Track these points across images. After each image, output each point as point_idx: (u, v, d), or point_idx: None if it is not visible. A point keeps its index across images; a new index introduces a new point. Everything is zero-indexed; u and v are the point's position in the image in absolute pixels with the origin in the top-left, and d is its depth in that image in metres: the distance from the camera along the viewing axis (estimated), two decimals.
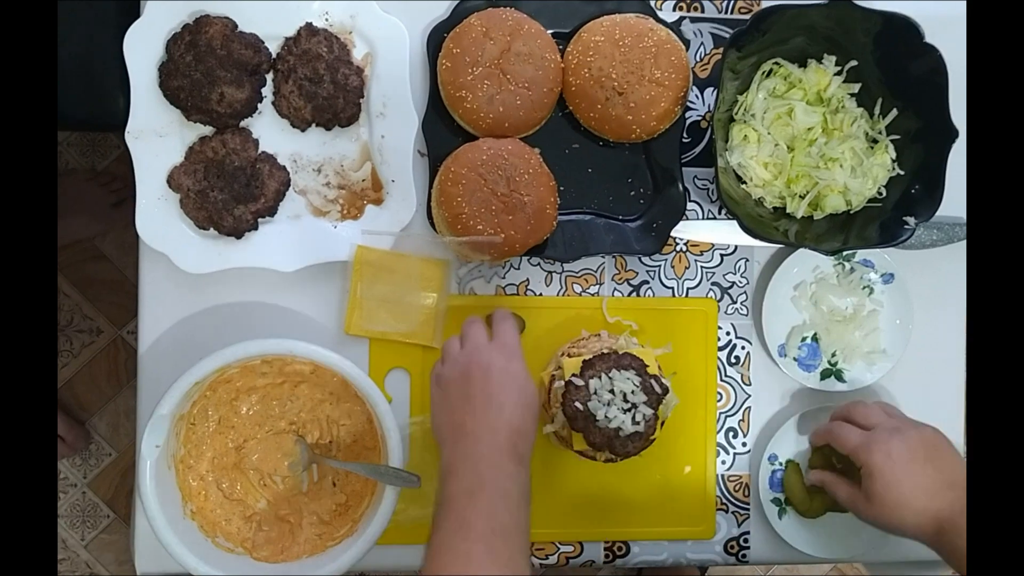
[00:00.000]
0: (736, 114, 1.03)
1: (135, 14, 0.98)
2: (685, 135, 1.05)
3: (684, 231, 1.06)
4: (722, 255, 1.07)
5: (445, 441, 0.86)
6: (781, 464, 1.07)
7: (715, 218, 1.07)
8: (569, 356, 1.00)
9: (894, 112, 1.01)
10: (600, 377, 0.94)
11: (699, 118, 1.07)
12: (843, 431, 0.96)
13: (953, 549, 0.86)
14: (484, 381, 0.86)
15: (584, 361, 0.97)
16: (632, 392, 0.94)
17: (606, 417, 0.94)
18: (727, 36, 1.06)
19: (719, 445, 1.07)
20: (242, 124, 0.98)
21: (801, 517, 1.06)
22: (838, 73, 1.02)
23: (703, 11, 1.06)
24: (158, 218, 0.97)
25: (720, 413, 1.07)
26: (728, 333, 1.08)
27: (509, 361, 0.88)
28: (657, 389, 0.96)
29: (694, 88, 1.06)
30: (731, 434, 1.07)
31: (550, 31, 1.00)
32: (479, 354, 0.88)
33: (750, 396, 1.08)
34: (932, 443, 0.92)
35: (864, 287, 1.08)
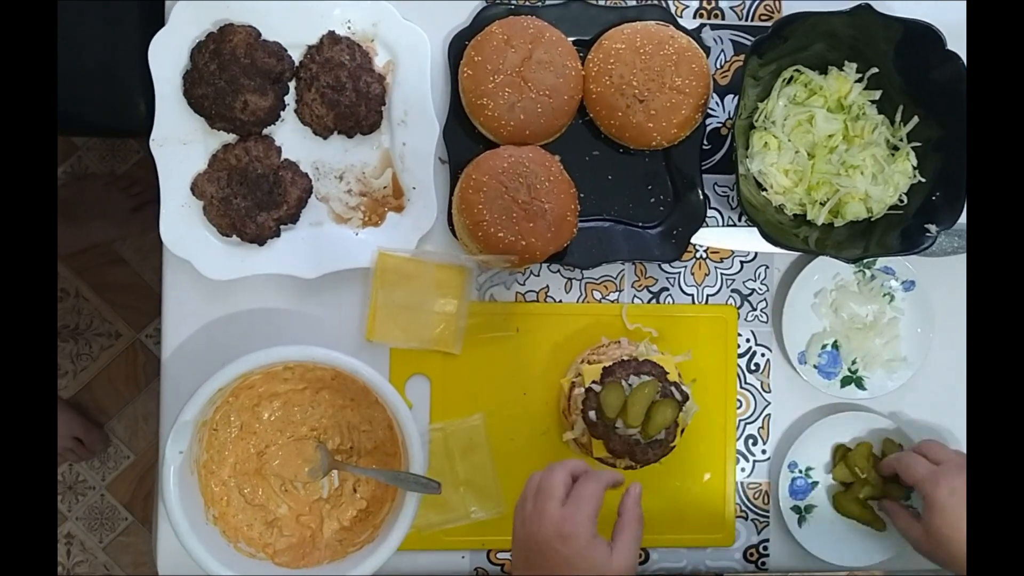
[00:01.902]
0: (756, 121, 1.03)
1: (158, 22, 0.98)
2: (705, 142, 1.05)
3: (704, 238, 1.06)
4: (742, 262, 1.07)
5: None
6: (801, 472, 1.07)
7: (735, 225, 1.07)
8: (589, 363, 1.00)
9: (915, 119, 1.00)
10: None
11: (719, 125, 1.07)
12: (911, 460, 0.95)
13: None
14: (539, 564, 0.79)
15: (604, 368, 0.97)
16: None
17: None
18: (748, 43, 1.06)
19: (739, 452, 1.07)
20: (265, 132, 0.99)
21: (821, 525, 1.06)
22: (859, 80, 1.02)
23: (724, 18, 1.06)
24: (182, 225, 0.98)
25: (740, 420, 1.07)
26: (748, 340, 1.07)
27: (568, 546, 0.78)
28: (677, 396, 0.96)
29: (714, 95, 1.06)
30: (751, 441, 1.07)
31: (571, 39, 1.00)
32: (539, 524, 0.79)
33: (770, 403, 1.08)
34: None
35: (885, 294, 1.08)
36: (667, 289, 1.06)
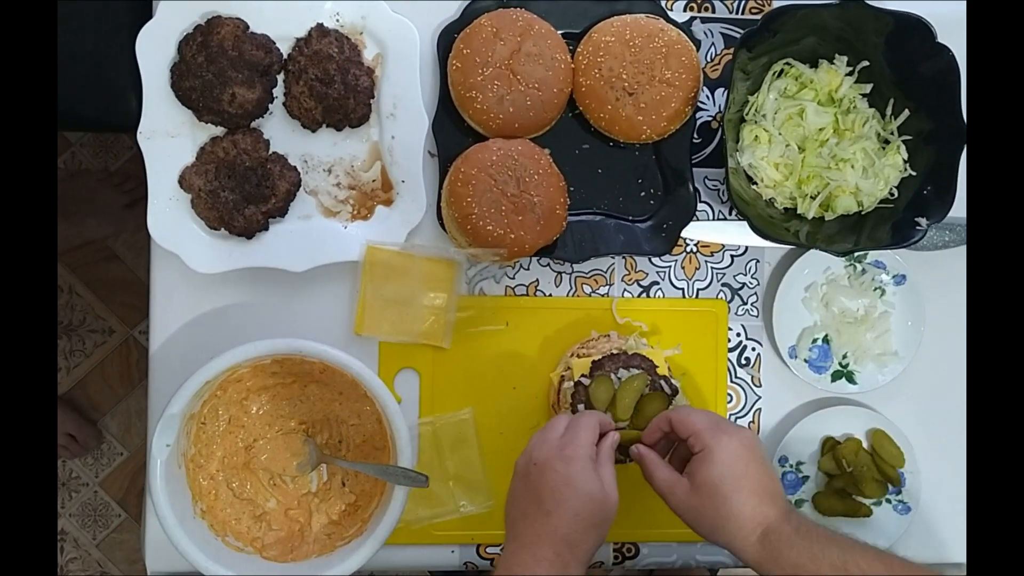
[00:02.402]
0: (747, 115, 1.03)
1: (147, 15, 0.98)
2: (696, 136, 1.05)
3: (694, 232, 1.05)
4: (732, 256, 1.07)
5: (506, 533, 0.85)
6: (792, 466, 1.07)
7: (726, 219, 1.07)
8: (579, 357, 1.00)
9: (906, 113, 1.00)
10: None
11: (710, 119, 1.06)
12: (688, 412, 0.87)
13: (776, 556, 0.80)
14: (538, 484, 0.82)
15: (593, 362, 0.97)
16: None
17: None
18: (738, 36, 1.05)
19: None
20: (253, 125, 0.98)
21: (812, 519, 1.06)
22: (849, 73, 1.01)
23: (714, 11, 1.06)
24: (169, 218, 0.97)
25: (730, 415, 1.07)
26: (738, 334, 1.07)
27: (568, 466, 0.82)
28: (667, 390, 0.96)
29: (705, 89, 1.05)
30: None
31: (560, 31, 1.00)
32: (541, 453, 0.84)
33: (760, 398, 1.07)
34: (762, 448, 0.86)
35: (876, 288, 1.08)
36: (657, 283, 1.06)
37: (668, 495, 0.85)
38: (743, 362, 1.07)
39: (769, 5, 1.06)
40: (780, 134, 1.01)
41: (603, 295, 1.06)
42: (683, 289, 1.06)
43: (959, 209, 0.96)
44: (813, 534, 0.81)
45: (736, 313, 1.07)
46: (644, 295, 1.06)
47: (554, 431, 0.86)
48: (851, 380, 1.07)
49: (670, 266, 1.06)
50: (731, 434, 0.84)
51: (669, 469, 0.87)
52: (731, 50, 1.06)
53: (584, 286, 1.06)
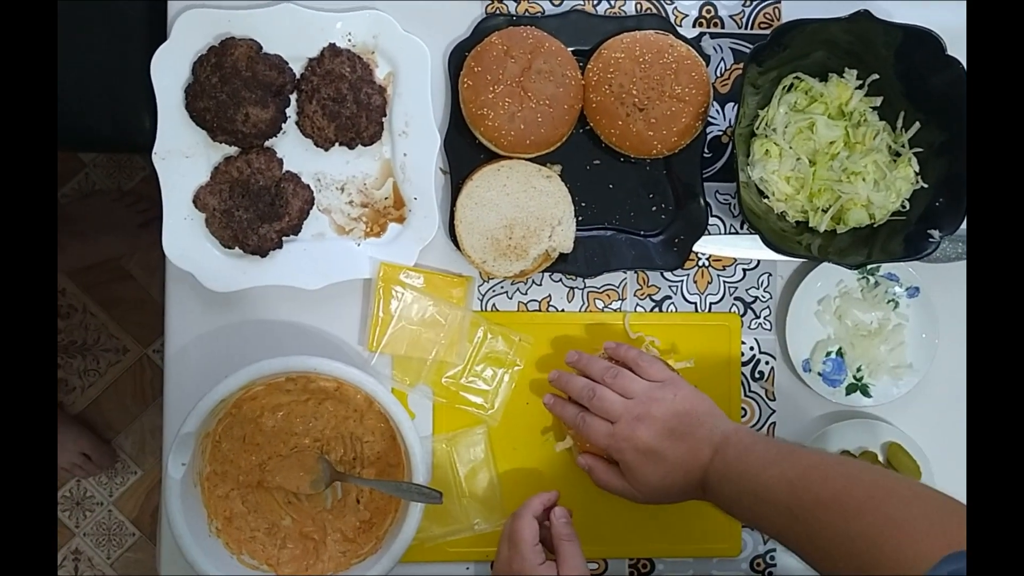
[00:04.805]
0: (757, 129, 1.03)
1: (161, 37, 0.99)
2: (706, 150, 1.05)
3: (706, 246, 1.06)
4: (745, 270, 1.07)
5: None
6: None
7: (737, 233, 1.07)
8: None
9: (917, 125, 1.00)
10: None
11: (720, 133, 1.07)
12: (593, 427, 0.91)
13: (716, 497, 0.87)
14: None
15: None
16: None
17: None
18: (747, 51, 1.06)
19: None
20: (267, 144, 0.99)
21: None
22: (860, 87, 1.02)
23: (723, 27, 1.06)
24: (184, 237, 0.98)
25: None
26: (752, 348, 1.07)
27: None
28: None
29: (715, 103, 1.06)
30: None
31: (571, 48, 1.00)
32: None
33: (775, 412, 1.07)
34: (680, 412, 0.89)
35: (889, 301, 1.07)
36: (669, 297, 1.06)
37: (630, 498, 0.92)
38: (756, 376, 1.07)
39: (779, 20, 1.07)
40: (791, 148, 1.01)
41: (615, 310, 1.06)
42: (695, 303, 1.06)
43: None
44: (733, 475, 0.84)
45: (749, 327, 1.07)
46: (656, 309, 1.06)
47: (502, 549, 0.90)
48: (866, 393, 1.06)
49: (682, 280, 1.06)
50: (628, 437, 0.89)
51: (607, 470, 0.92)
52: (740, 65, 1.06)
53: (596, 301, 1.06)
